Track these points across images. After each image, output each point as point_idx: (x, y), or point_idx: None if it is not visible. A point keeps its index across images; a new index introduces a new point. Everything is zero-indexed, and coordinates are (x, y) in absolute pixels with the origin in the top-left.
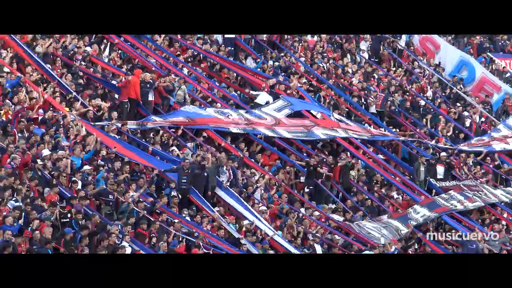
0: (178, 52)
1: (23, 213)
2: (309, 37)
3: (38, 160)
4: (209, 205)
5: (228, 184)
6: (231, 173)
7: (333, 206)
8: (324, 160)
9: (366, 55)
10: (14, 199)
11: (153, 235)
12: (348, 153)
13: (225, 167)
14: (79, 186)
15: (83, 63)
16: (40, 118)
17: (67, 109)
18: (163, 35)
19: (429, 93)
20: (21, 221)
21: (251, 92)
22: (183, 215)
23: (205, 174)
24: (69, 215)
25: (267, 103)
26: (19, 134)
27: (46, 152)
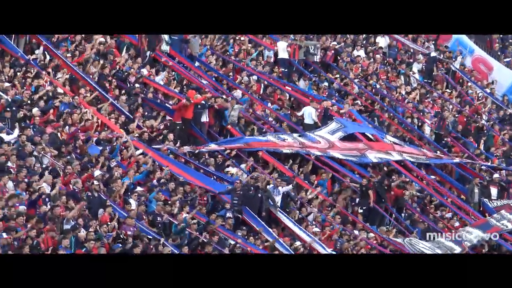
0: (231, 74)
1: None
2: (362, 53)
3: (95, 181)
4: (265, 225)
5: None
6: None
7: (388, 227)
8: (375, 183)
9: (417, 75)
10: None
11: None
12: (403, 175)
13: (280, 188)
14: (133, 207)
15: (137, 84)
16: (94, 139)
17: (122, 130)
18: (214, 57)
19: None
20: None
21: (296, 113)
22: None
23: (259, 195)
24: (121, 236)
25: (315, 123)
26: (68, 157)
27: (97, 172)
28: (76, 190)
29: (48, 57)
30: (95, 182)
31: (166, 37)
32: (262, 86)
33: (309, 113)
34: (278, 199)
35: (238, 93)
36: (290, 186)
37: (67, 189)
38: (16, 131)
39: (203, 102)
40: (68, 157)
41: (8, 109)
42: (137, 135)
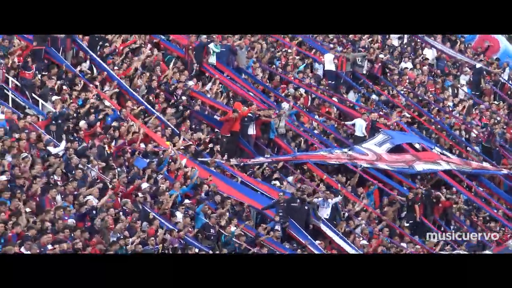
0: (279, 86)
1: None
2: (410, 65)
3: (139, 193)
4: (311, 239)
5: (327, 217)
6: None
7: (435, 240)
8: (423, 195)
9: (465, 87)
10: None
11: None
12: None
13: (329, 200)
14: (178, 219)
15: (183, 97)
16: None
17: (168, 143)
18: (260, 71)
19: None
20: None
21: (347, 123)
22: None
23: (306, 207)
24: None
25: (365, 136)
26: (118, 169)
27: (145, 185)
28: (126, 210)
29: (95, 71)
30: (140, 194)
31: (213, 49)
32: (310, 98)
33: (360, 126)
34: (327, 211)
35: (285, 105)
36: (339, 198)
37: (115, 205)
38: (63, 144)
39: (250, 114)
40: (118, 169)
41: (53, 122)
42: (183, 148)
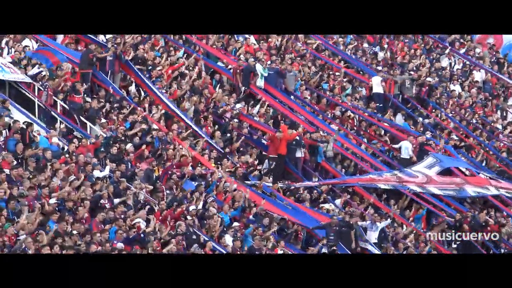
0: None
1: None
2: (458, 88)
3: (188, 216)
4: None
5: (376, 241)
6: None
7: None
8: (472, 218)
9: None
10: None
11: None
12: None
13: (378, 223)
14: (227, 242)
15: (235, 120)
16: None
17: (213, 165)
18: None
19: None
20: None
21: (393, 146)
22: None
23: (353, 230)
24: None
25: (411, 157)
26: (167, 191)
27: (192, 207)
28: (180, 232)
29: (143, 94)
30: (188, 217)
31: (261, 72)
32: (356, 121)
33: (406, 148)
34: (375, 234)
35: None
36: (388, 221)
37: (168, 226)
38: (108, 168)
39: (297, 138)
40: (168, 191)
41: (103, 146)
42: (231, 170)
